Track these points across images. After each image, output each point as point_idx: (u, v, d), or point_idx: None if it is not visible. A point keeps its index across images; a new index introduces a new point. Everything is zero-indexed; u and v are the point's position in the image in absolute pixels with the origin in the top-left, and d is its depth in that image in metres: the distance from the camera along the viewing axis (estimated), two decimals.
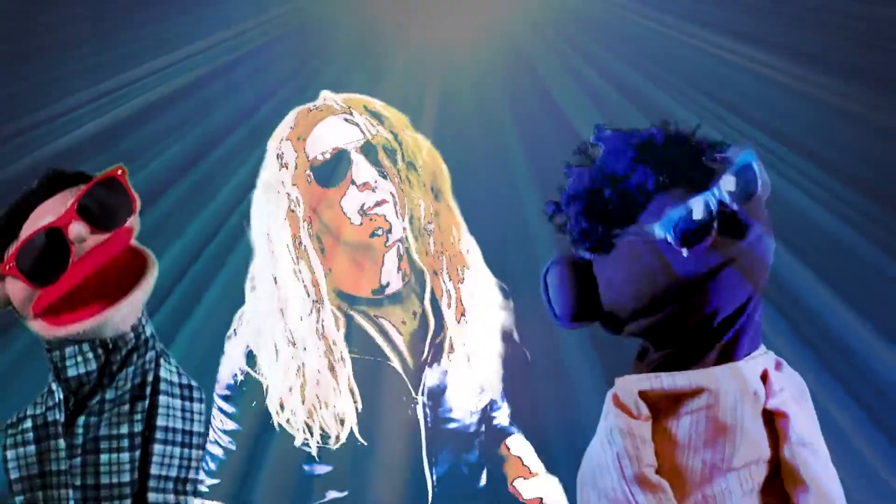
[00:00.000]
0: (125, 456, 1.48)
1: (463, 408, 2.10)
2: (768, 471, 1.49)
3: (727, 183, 1.45)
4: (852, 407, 2.88)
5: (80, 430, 1.48)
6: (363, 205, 2.11)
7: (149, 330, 1.53)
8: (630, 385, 1.53)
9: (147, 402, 1.50)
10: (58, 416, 1.49)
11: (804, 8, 3.13)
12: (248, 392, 2.21)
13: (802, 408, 1.54)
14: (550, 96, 3.22)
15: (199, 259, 2.70)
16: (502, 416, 2.13)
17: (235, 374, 2.18)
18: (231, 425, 2.19)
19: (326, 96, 2.30)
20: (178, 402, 1.54)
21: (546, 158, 3.04)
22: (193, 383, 1.58)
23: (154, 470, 1.48)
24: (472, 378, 2.14)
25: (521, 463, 2.00)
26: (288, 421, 2.14)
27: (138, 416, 1.49)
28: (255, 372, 2.20)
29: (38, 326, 1.47)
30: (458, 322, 2.11)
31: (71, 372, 1.48)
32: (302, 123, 2.24)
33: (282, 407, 2.13)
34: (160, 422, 1.50)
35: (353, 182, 2.11)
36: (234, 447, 2.17)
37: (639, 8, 3.26)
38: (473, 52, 3.19)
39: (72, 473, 1.46)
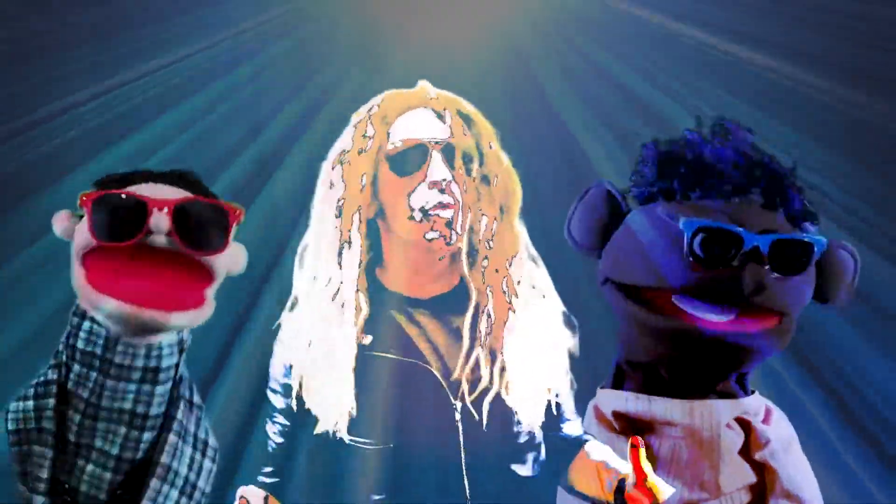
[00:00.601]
0: (107, 474, 1.48)
1: (509, 420, 2.06)
2: (751, 497, 1.50)
3: (780, 244, 1.44)
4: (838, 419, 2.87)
5: (75, 426, 1.49)
6: (427, 203, 2.07)
7: (166, 362, 1.50)
8: (606, 401, 1.54)
9: (146, 435, 1.49)
10: (54, 377, 1.50)
11: (804, 8, 3.13)
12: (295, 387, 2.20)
13: (790, 457, 1.55)
14: (550, 96, 3.22)
15: None
16: (572, 427, 2.07)
17: (282, 369, 2.16)
18: (280, 419, 2.17)
19: (424, 86, 2.26)
20: (188, 450, 1.53)
21: (545, 158, 3.04)
22: (211, 442, 1.58)
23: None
24: (516, 396, 2.09)
25: (605, 466, 1.92)
26: (319, 407, 2.11)
27: (131, 444, 1.49)
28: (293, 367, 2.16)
29: (78, 277, 1.48)
30: (500, 343, 2.06)
31: (79, 344, 1.50)
32: (390, 106, 2.18)
33: (301, 386, 2.11)
34: (164, 459, 1.50)
35: (425, 178, 2.07)
36: (281, 440, 2.15)
37: (638, 8, 3.26)
38: (473, 52, 3.19)
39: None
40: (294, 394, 2.07)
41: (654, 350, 1.52)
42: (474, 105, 2.78)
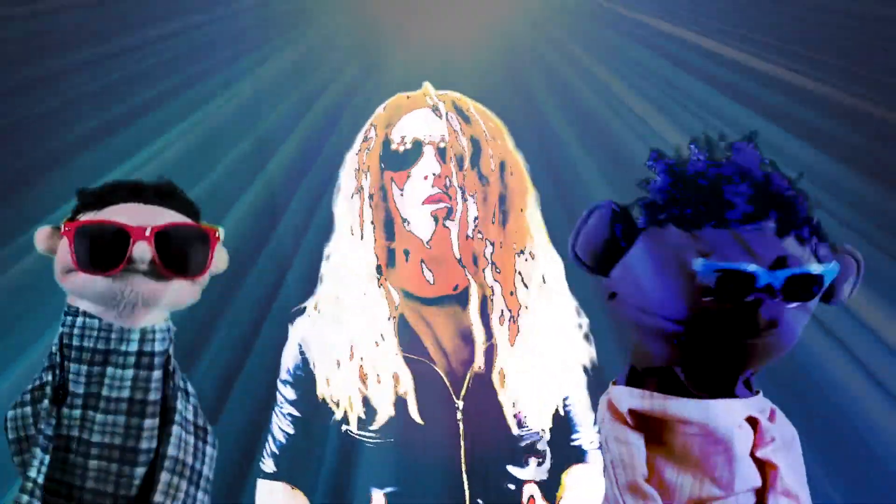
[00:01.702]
0: (113, 467, 1.48)
1: (510, 423, 2.07)
2: (756, 500, 1.52)
3: (786, 278, 1.44)
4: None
5: (76, 421, 1.49)
6: (420, 196, 2.09)
7: (159, 347, 1.53)
8: (622, 398, 1.53)
9: (142, 420, 1.50)
10: (49, 378, 1.50)
11: (804, 8, 3.13)
12: (309, 378, 2.22)
13: (791, 458, 1.57)
14: (550, 96, 3.22)
15: None
16: (580, 439, 2.08)
17: (296, 361, 2.18)
18: (291, 410, 2.19)
19: (426, 86, 2.30)
20: (191, 439, 1.55)
21: (547, 158, 3.04)
22: (209, 427, 1.59)
23: (158, 498, 1.49)
24: (519, 395, 2.10)
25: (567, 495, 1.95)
26: (331, 396, 2.13)
27: (132, 432, 1.49)
28: (309, 351, 2.19)
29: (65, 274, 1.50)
30: (508, 341, 2.07)
31: (74, 341, 1.50)
32: (393, 108, 2.23)
33: (327, 382, 2.12)
34: (171, 451, 1.51)
35: (416, 172, 2.09)
36: (292, 431, 2.17)
37: (638, 8, 3.26)
38: (473, 52, 3.19)
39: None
40: (316, 385, 2.09)
41: (669, 359, 1.53)
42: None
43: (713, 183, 1.51)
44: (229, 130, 3.08)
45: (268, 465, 2.19)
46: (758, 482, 1.52)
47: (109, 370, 1.49)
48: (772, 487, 1.52)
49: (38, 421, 1.49)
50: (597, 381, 2.36)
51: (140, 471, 1.49)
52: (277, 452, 2.18)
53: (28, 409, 1.51)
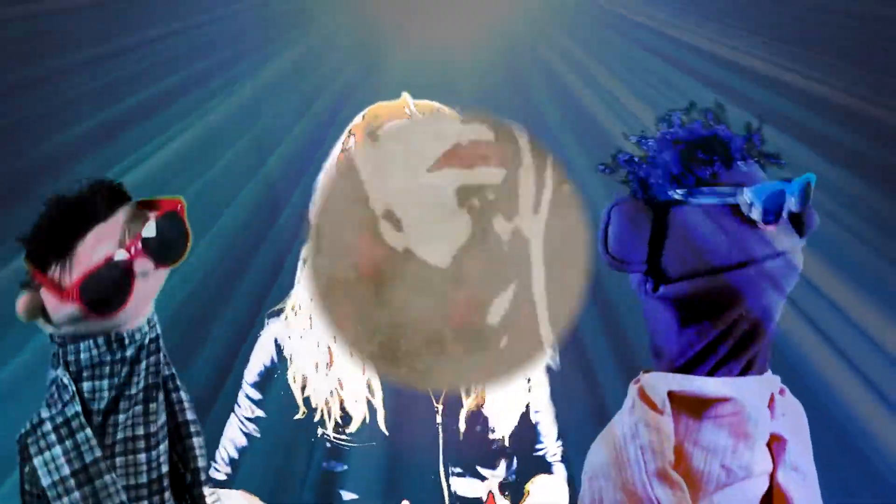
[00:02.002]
0: (142, 457, 1.49)
1: (487, 426, 2.08)
2: (768, 485, 1.52)
3: (803, 185, 1.57)
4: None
5: (97, 430, 1.49)
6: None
7: (159, 329, 1.55)
8: (658, 383, 1.54)
9: (157, 402, 1.51)
10: (77, 409, 1.48)
11: (804, 8, 3.13)
12: (278, 380, 2.22)
13: (800, 434, 1.59)
14: (550, 97, 3.22)
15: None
16: (544, 450, 2.11)
17: (268, 362, 2.18)
18: (259, 412, 2.19)
19: (404, 97, 2.31)
20: (185, 395, 1.57)
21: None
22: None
23: (201, 462, 1.54)
24: (490, 404, 2.12)
25: None
26: (307, 400, 2.13)
27: (152, 417, 1.50)
28: (284, 352, 2.19)
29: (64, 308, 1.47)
30: None
31: (87, 362, 1.49)
32: (371, 118, 2.24)
33: (303, 386, 2.13)
34: (190, 416, 1.56)
35: None
36: (258, 435, 2.18)
37: (638, 10, 3.26)
38: (473, 52, 3.19)
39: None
40: (288, 387, 2.09)
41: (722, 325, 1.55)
42: (473, 105, 2.79)
43: (708, 134, 1.63)
44: (229, 130, 3.09)
45: (221, 471, 2.18)
46: (770, 466, 1.53)
47: (126, 369, 1.49)
48: (780, 462, 1.54)
49: (71, 458, 1.47)
50: (559, 391, 2.37)
51: (163, 446, 1.51)
52: (237, 457, 2.18)
53: (58, 450, 1.47)
